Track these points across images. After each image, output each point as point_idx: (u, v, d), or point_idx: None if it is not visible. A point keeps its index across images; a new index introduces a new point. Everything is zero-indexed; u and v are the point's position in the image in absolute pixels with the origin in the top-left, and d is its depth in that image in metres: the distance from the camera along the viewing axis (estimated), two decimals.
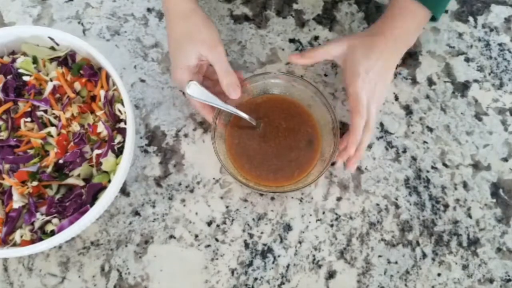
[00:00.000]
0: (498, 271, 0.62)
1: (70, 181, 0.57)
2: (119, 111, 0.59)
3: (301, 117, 0.65)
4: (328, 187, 0.65)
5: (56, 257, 0.61)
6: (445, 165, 0.67)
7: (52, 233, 0.54)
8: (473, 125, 0.69)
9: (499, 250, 0.63)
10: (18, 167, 0.57)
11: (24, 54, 0.62)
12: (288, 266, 0.61)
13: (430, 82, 0.71)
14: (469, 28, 0.74)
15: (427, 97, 0.70)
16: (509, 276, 0.62)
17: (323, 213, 0.64)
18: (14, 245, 0.55)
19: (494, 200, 0.65)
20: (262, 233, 0.63)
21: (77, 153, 0.57)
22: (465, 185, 0.66)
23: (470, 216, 0.64)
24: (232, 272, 0.61)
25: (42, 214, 0.55)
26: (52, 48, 0.63)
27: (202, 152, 0.66)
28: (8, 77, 0.60)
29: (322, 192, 0.65)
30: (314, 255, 0.62)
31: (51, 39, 0.61)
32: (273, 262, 0.61)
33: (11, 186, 0.56)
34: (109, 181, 0.57)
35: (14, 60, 0.61)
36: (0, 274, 0.60)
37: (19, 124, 0.59)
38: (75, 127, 0.59)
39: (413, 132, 0.68)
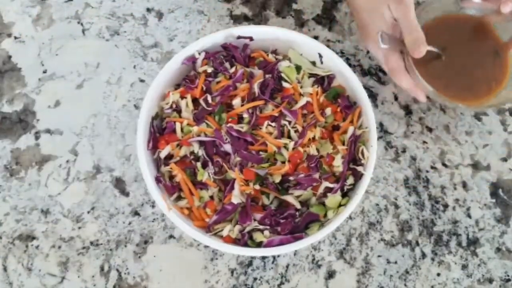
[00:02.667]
0: (497, 271, 0.62)
1: (288, 198, 0.56)
2: (362, 153, 0.57)
3: (479, 30, 0.63)
4: None
5: (56, 257, 0.61)
6: (444, 165, 0.67)
7: (259, 243, 0.54)
8: (473, 125, 0.69)
9: (498, 250, 0.63)
10: (246, 164, 0.56)
11: (286, 58, 0.61)
12: (287, 266, 0.61)
13: None
14: None
15: (427, 97, 0.70)
16: (508, 276, 0.62)
17: None
18: (215, 234, 0.55)
19: (494, 200, 0.65)
20: None
21: (309, 180, 0.55)
22: (464, 185, 0.66)
23: (469, 216, 0.64)
24: (232, 272, 0.61)
25: (254, 220, 0.54)
26: (313, 63, 0.62)
27: None
28: (267, 75, 0.59)
29: None
30: (313, 255, 0.62)
31: (320, 56, 0.60)
32: (272, 262, 0.61)
33: (234, 179, 0.55)
34: (325, 215, 0.56)
35: (277, 61, 0.60)
36: (0, 274, 0.60)
37: (261, 123, 0.58)
38: (313, 150, 0.56)
39: (412, 132, 0.68)
